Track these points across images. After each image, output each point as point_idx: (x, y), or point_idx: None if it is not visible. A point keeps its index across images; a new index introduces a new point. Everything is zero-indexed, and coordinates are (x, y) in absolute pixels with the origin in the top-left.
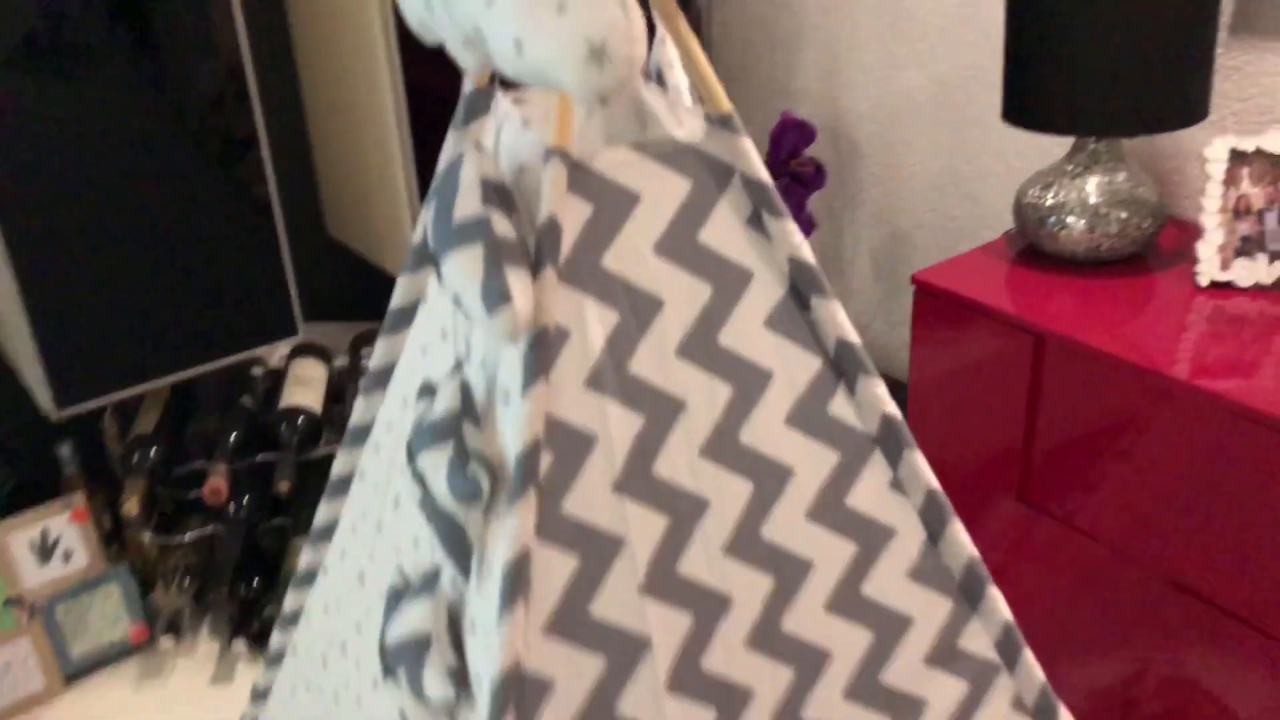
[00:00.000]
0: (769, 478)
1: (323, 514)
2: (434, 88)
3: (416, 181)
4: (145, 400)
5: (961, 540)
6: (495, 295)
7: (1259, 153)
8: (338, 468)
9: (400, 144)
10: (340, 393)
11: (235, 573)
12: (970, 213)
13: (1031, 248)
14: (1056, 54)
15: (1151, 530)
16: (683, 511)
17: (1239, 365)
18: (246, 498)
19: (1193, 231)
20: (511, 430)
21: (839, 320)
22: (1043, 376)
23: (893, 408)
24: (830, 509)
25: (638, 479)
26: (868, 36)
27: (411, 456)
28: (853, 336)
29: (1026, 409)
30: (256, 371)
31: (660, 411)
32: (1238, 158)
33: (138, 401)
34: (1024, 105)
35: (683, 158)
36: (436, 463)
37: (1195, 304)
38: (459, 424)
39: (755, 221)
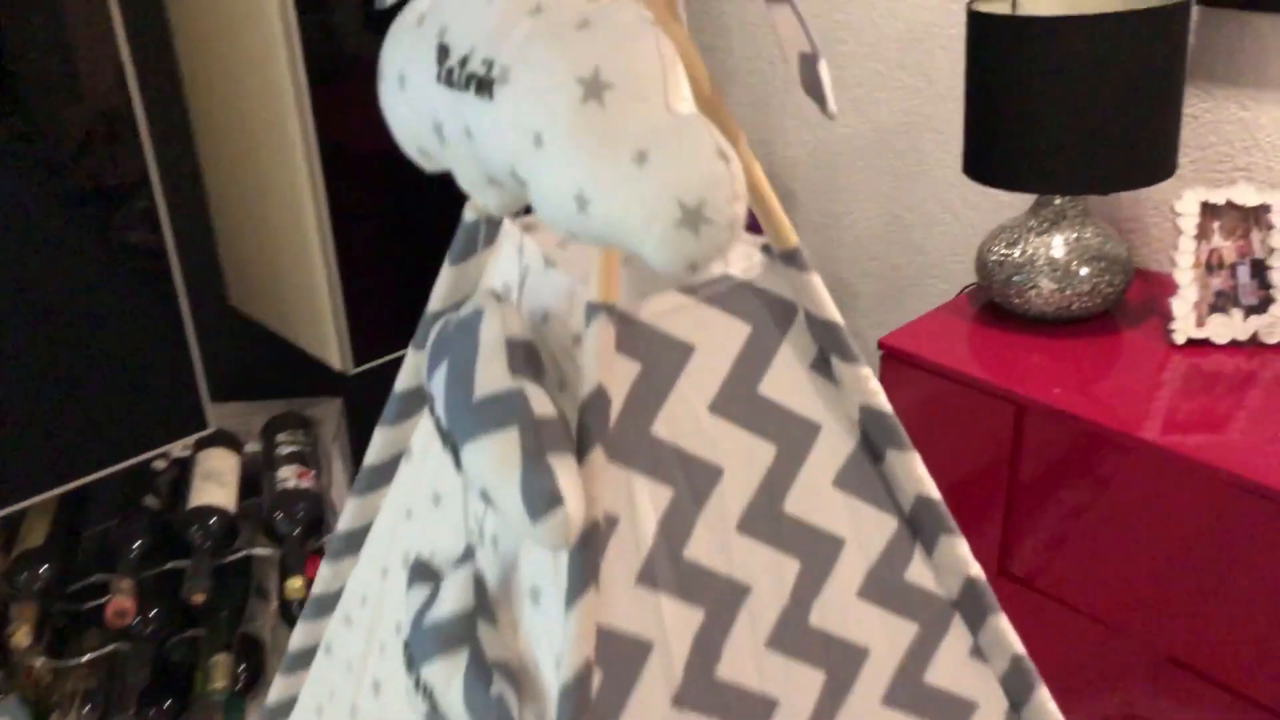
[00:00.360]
0: (842, 664)
1: (279, 689)
2: (351, 137)
3: (334, 248)
4: (32, 506)
5: (1048, 708)
6: (541, 497)
7: (1230, 205)
8: (299, 639)
9: (314, 203)
10: (254, 484)
11: (143, 695)
12: (915, 261)
13: (994, 304)
14: (1021, 111)
15: (1142, 603)
16: (750, 717)
17: (1226, 430)
18: (154, 610)
19: (1158, 284)
20: (553, 651)
21: (918, 475)
22: (1022, 446)
23: (976, 569)
24: (908, 689)
25: (699, 686)
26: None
27: (412, 662)
28: (933, 492)
29: (1007, 480)
30: (159, 465)
31: (722, 602)
32: (1208, 211)
33: (22, 509)
34: (987, 162)
35: (739, 298)
36: (448, 675)
37: (1173, 364)
38: (472, 626)
39: (822, 366)
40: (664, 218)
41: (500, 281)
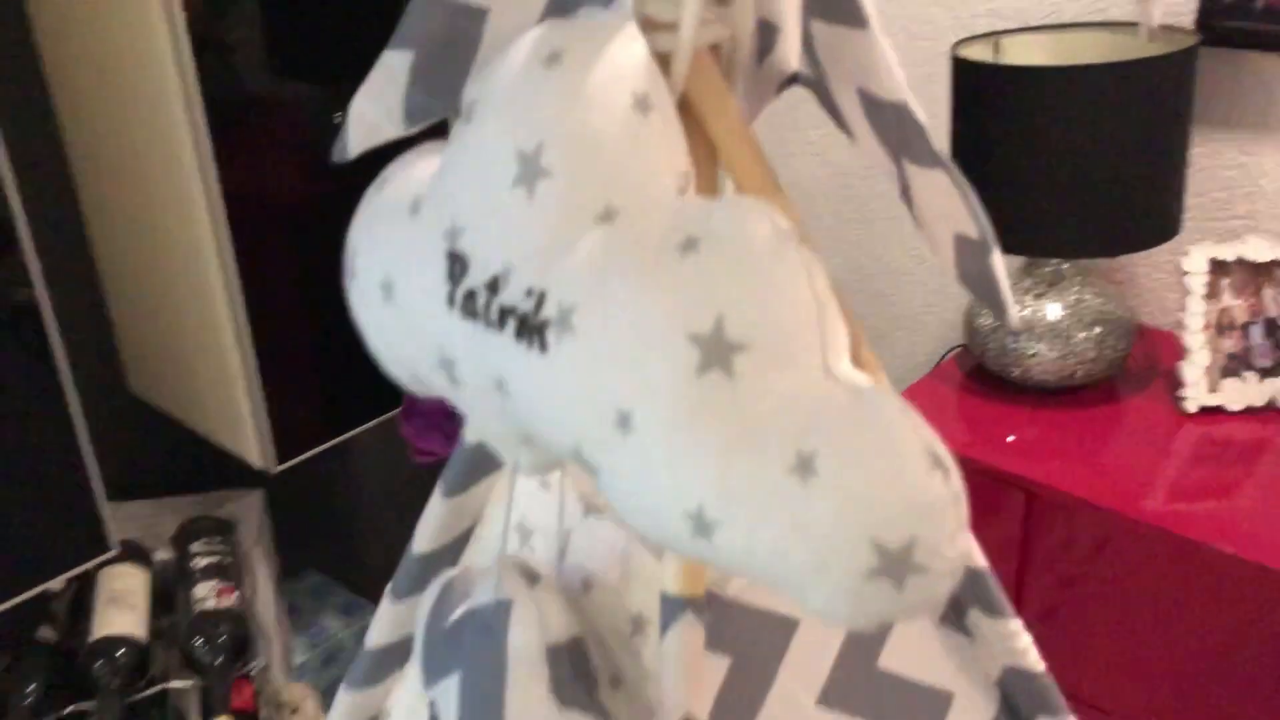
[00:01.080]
0: None
1: None
2: (262, 191)
3: (247, 321)
4: None
5: None
6: None
7: (1240, 262)
8: None
9: (221, 268)
10: (168, 599)
11: None
12: (882, 312)
13: (983, 368)
14: (1014, 170)
15: (1169, 702)
16: None
17: (1252, 512)
18: None
19: (1158, 342)
20: None
21: None
22: (1032, 535)
23: None
24: None
25: None
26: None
27: None
28: None
29: (1016, 572)
30: (54, 586)
31: None
32: (1217, 268)
33: None
34: None
35: None
36: None
37: (1187, 434)
38: None
39: (954, 620)
40: (848, 564)
41: (516, 525)
